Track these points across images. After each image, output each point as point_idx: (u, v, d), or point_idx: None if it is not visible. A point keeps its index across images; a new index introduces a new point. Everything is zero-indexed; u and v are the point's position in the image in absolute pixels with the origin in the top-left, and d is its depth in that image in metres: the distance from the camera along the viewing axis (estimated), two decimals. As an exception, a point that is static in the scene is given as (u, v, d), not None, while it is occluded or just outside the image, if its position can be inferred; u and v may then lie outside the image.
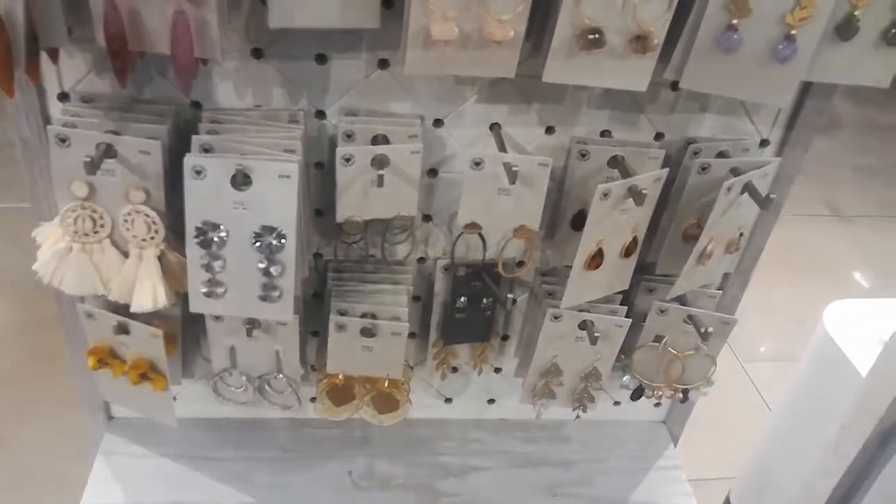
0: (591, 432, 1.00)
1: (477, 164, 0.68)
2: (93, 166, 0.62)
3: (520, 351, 0.90)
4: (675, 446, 1.01)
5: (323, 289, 0.81)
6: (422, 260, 0.83)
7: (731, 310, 0.89)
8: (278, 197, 0.64)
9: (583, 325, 0.79)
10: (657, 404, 0.91)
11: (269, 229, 0.66)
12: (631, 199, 0.69)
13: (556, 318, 0.79)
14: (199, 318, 0.77)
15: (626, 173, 0.72)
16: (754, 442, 1.41)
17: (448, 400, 0.98)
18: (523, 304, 0.87)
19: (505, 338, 0.91)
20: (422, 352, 0.89)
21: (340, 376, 0.79)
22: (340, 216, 0.72)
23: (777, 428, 1.35)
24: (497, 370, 0.95)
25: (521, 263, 0.83)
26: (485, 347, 0.88)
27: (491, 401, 0.99)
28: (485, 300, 0.82)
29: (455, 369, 0.93)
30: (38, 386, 1.56)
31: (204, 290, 0.68)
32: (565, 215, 0.77)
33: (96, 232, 0.69)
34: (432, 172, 0.77)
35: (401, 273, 0.80)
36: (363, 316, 0.76)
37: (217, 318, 0.75)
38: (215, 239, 0.66)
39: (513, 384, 0.95)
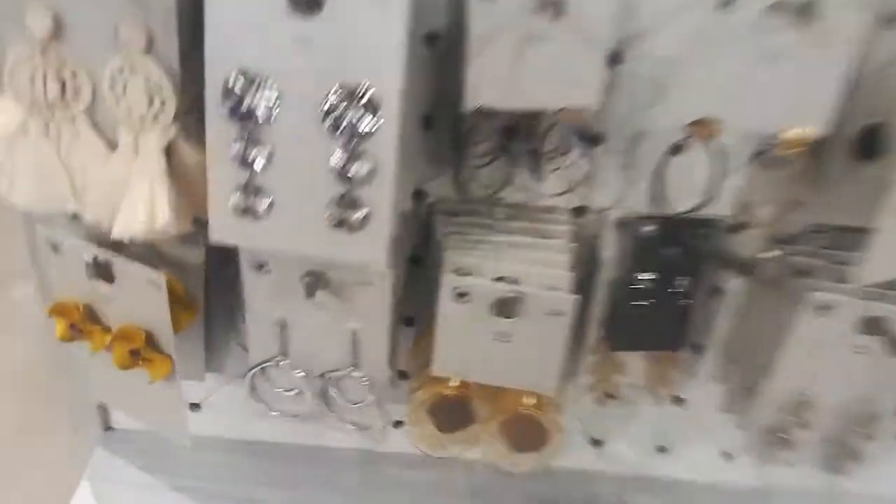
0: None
1: (726, 3, 0.38)
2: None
3: (729, 371, 0.57)
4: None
5: (424, 250, 0.52)
6: (579, 211, 0.52)
7: None
8: (372, 29, 0.35)
9: (873, 327, 0.46)
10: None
11: (353, 92, 0.36)
12: None
13: (822, 309, 0.46)
14: (233, 275, 0.48)
15: None
16: None
17: (597, 442, 0.66)
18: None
19: (696, 348, 0.58)
20: (570, 360, 0.58)
21: (453, 383, 0.48)
22: (472, 101, 0.42)
23: None
24: (677, 400, 0.62)
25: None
26: (670, 361, 0.56)
27: (661, 449, 0.66)
28: (682, 280, 0.51)
29: (612, 395, 0.61)
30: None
31: (234, 200, 0.39)
32: (843, 133, 0.45)
33: (67, 104, 0.41)
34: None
35: (553, 222, 0.50)
36: (498, 280, 0.45)
37: (259, 266, 0.46)
38: (258, 104, 0.37)
39: (698, 425, 0.63)
